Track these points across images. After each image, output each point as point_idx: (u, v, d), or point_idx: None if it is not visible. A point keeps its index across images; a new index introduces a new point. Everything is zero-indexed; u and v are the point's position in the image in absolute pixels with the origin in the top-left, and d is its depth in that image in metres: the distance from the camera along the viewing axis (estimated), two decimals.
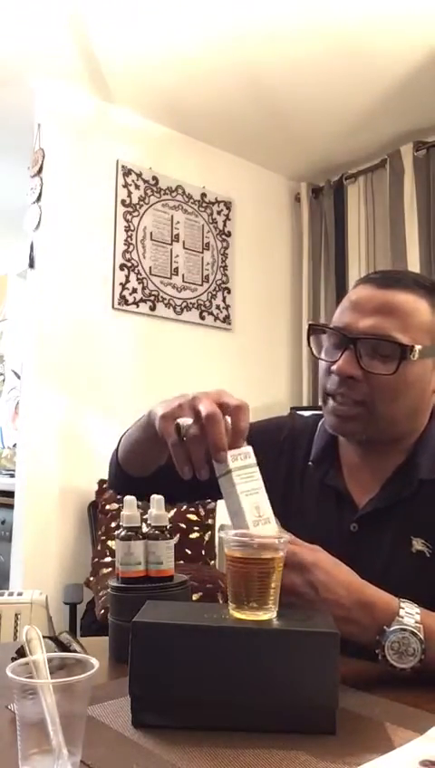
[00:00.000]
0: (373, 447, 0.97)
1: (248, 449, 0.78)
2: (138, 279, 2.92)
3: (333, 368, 0.91)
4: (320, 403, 1.01)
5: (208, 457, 0.77)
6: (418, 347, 0.89)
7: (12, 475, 3.18)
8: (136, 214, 2.95)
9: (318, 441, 1.05)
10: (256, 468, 0.77)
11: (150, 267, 2.97)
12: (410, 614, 0.75)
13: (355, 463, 1.01)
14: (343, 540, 0.94)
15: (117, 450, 1.08)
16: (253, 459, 0.78)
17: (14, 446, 3.53)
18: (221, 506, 2.96)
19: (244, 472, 0.77)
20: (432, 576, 0.89)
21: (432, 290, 0.94)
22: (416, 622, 0.74)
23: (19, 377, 3.77)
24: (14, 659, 0.58)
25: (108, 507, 2.53)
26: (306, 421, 1.12)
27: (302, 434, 1.09)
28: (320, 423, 1.08)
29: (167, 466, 1.02)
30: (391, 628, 0.74)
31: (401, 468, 0.96)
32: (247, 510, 0.75)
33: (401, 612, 0.75)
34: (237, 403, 0.78)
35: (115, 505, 2.49)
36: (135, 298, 2.90)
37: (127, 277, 2.89)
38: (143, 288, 2.94)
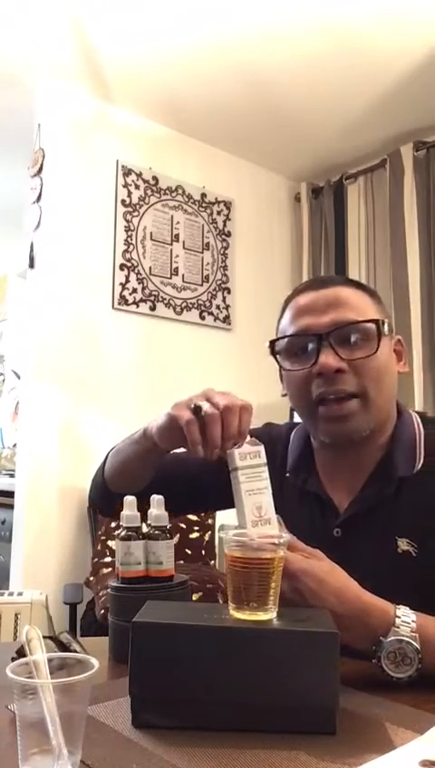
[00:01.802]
0: (350, 449, 0.96)
1: (260, 448, 0.79)
2: (138, 279, 2.92)
3: (316, 368, 0.91)
4: (303, 418, 1.00)
5: (222, 441, 0.81)
6: (386, 322, 0.93)
7: (12, 475, 3.18)
8: (136, 214, 2.95)
9: (294, 450, 1.05)
10: (265, 468, 0.78)
11: (150, 267, 2.97)
12: (406, 622, 0.74)
13: (332, 468, 1.00)
14: (327, 546, 0.93)
15: (103, 468, 1.08)
16: (263, 459, 0.78)
17: (14, 446, 3.53)
18: None
19: (251, 471, 0.77)
20: (420, 576, 0.89)
21: (360, 285, 1.00)
22: (412, 631, 0.74)
23: (19, 377, 3.77)
24: (14, 659, 0.58)
25: None
26: (280, 430, 1.12)
27: (277, 443, 1.09)
28: (294, 432, 1.08)
29: (152, 485, 1.02)
30: (388, 639, 0.73)
31: (378, 468, 0.96)
32: (248, 509, 0.75)
33: (398, 621, 0.74)
34: (243, 403, 0.82)
35: None
36: (135, 298, 2.90)
37: (127, 277, 2.89)
38: (143, 288, 2.94)
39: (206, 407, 0.82)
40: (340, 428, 0.93)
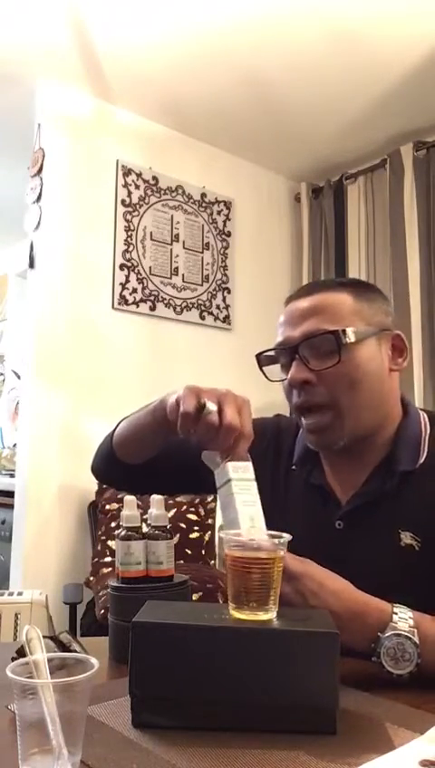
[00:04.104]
0: (351, 449, 0.98)
1: (248, 464, 0.81)
2: (138, 279, 2.92)
3: (286, 381, 0.95)
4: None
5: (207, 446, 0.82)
6: (350, 329, 0.92)
7: (12, 475, 3.18)
8: (136, 214, 2.95)
9: (301, 443, 1.06)
10: (254, 483, 0.80)
11: (150, 267, 2.97)
12: (403, 619, 0.75)
13: (337, 462, 1.02)
14: (329, 538, 0.95)
15: (112, 435, 1.09)
16: (252, 474, 0.80)
17: (14, 446, 3.52)
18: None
19: (242, 484, 0.79)
20: (423, 570, 0.89)
21: (352, 284, 1.00)
22: (410, 627, 0.74)
23: (19, 377, 3.77)
24: (14, 659, 0.58)
25: (108, 507, 2.53)
26: (290, 422, 1.14)
27: (286, 435, 1.10)
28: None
29: (158, 459, 1.03)
30: (386, 635, 0.74)
31: (381, 463, 0.97)
32: (243, 519, 0.76)
33: (395, 618, 0.75)
34: (244, 430, 0.82)
35: (115, 505, 2.49)
36: (135, 298, 2.90)
37: (127, 277, 2.89)
38: (143, 288, 2.94)
39: (210, 409, 0.81)
40: (317, 439, 0.97)
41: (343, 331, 0.92)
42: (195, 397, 0.82)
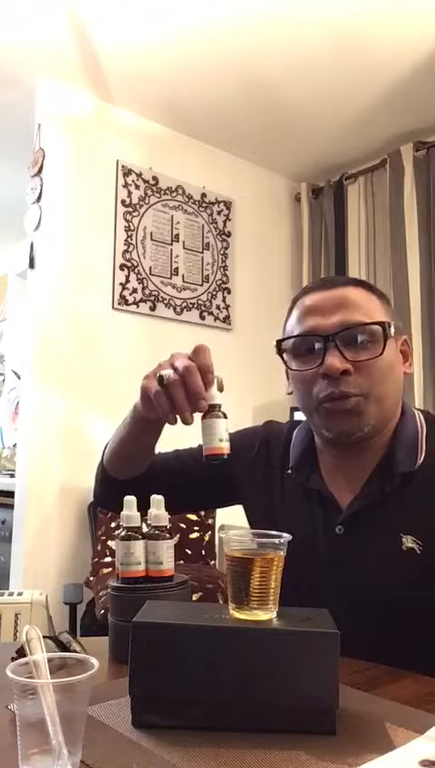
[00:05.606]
0: (352, 448, 0.96)
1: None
2: (138, 279, 2.92)
3: (323, 369, 0.91)
4: (307, 416, 0.99)
5: (190, 404, 0.84)
6: (392, 323, 0.93)
7: (12, 475, 3.18)
8: (136, 214, 2.95)
9: (296, 447, 1.05)
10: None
11: (150, 267, 2.97)
12: None
13: (335, 466, 1.00)
14: (329, 543, 0.93)
15: (102, 460, 1.10)
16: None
17: (14, 446, 3.52)
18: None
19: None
20: (425, 573, 0.88)
21: (367, 284, 0.99)
22: None
23: (19, 377, 3.77)
24: (14, 659, 0.58)
25: None
26: (280, 428, 1.12)
27: (277, 440, 1.09)
28: (296, 430, 1.08)
29: (153, 471, 1.03)
30: None
31: (380, 465, 0.96)
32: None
33: None
34: (201, 363, 0.88)
35: None
36: (135, 298, 2.90)
37: (127, 277, 2.89)
38: (143, 288, 2.94)
39: (167, 374, 0.85)
40: (342, 423, 0.92)
41: (389, 323, 0.92)
42: (152, 380, 0.87)
